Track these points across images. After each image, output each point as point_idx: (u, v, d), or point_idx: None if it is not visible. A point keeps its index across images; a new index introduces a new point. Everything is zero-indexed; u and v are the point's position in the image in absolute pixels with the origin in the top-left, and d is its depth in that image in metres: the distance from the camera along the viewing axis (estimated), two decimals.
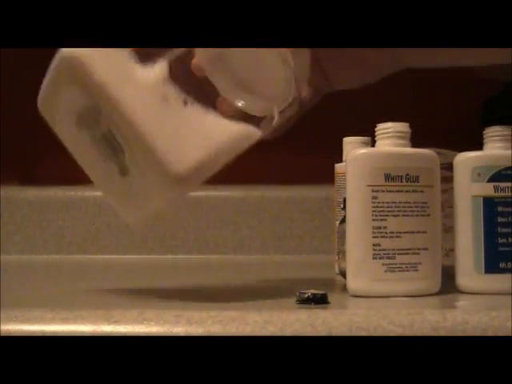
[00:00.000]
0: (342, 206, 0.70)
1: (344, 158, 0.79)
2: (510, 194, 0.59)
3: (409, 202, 0.58)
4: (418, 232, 0.58)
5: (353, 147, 0.76)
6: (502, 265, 0.59)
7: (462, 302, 0.59)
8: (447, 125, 1.05)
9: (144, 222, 0.64)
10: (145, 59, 0.54)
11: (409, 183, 0.58)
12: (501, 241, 0.59)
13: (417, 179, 0.58)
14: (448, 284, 0.60)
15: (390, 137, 0.60)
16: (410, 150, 0.60)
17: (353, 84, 0.65)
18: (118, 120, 0.53)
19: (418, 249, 0.58)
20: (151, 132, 0.52)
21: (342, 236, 0.61)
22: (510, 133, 0.61)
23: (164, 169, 0.53)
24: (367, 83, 0.64)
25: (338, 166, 0.82)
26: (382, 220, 0.57)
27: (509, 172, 0.59)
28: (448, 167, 0.62)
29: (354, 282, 0.58)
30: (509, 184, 0.59)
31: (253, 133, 0.58)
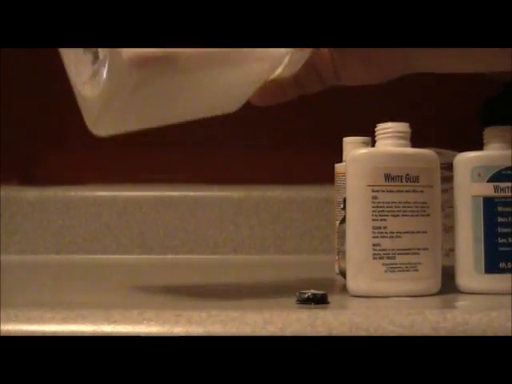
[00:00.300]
0: (341, 206, 0.70)
1: (344, 158, 0.79)
2: (509, 193, 0.59)
3: (409, 202, 0.58)
4: (418, 232, 0.58)
5: (353, 147, 0.76)
6: (501, 265, 0.59)
7: (462, 302, 0.59)
8: (447, 125, 1.05)
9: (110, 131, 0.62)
10: None
11: (409, 183, 0.58)
12: (501, 241, 0.59)
13: (417, 179, 0.58)
14: (448, 284, 0.60)
15: (390, 137, 0.60)
16: (410, 150, 0.60)
17: (361, 80, 0.65)
18: None
19: (418, 249, 0.58)
20: None
21: (342, 236, 0.61)
22: (510, 133, 0.61)
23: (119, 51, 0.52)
24: (376, 82, 0.64)
25: (337, 165, 0.82)
26: (381, 220, 0.57)
27: (509, 172, 0.59)
28: (448, 167, 0.62)
29: (353, 282, 0.58)
30: (509, 184, 0.59)
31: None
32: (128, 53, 0.52)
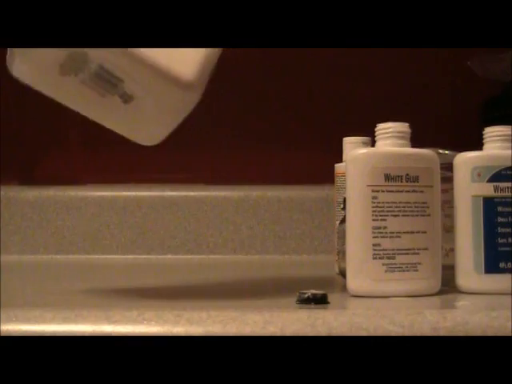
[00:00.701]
0: (341, 205, 0.70)
1: (344, 158, 0.79)
2: (509, 193, 0.59)
3: (409, 202, 0.58)
4: (418, 232, 0.58)
5: (353, 147, 0.76)
6: (501, 265, 0.59)
7: (462, 301, 0.59)
8: (447, 125, 1.05)
9: (162, 138, 0.63)
10: None
11: (409, 183, 0.58)
12: (501, 241, 0.59)
13: (417, 179, 0.58)
14: (448, 284, 0.60)
15: (390, 137, 0.60)
16: (410, 150, 0.60)
17: None
18: (113, 53, 0.54)
19: (418, 249, 0.58)
20: (149, 53, 0.54)
21: (342, 236, 0.61)
22: (510, 133, 0.61)
23: (174, 77, 0.54)
24: None
25: (337, 166, 0.82)
26: (382, 220, 0.57)
27: (509, 172, 0.59)
28: (448, 167, 0.62)
29: (353, 282, 0.58)
30: (509, 184, 0.59)
31: None
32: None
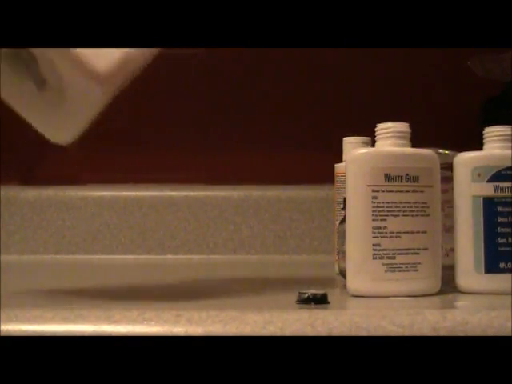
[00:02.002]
0: (341, 205, 0.70)
1: (344, 158, 0.79)
2: (509, 193, 0.59)
3: (409, 202, 0.58)
4: (418, 232, 0.58)
5: (353, 147, 0.76)
6: (501, 265, 0.59)
7: (462, 301, 0.59)
8: (447, 125, 1.05)
9: (75, 135, 0.62)
10: None
11: (409, 183, 0.58)
12: (501, 241, 0.59)
13: (417, 179, 0.58)
14: (448, 284, 0.60)
15: (390, 137, 0.60)
16: (410, 150, 0.60)
17: None
18: None
19: (418, 249, 0.58)
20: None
21: (342, 236, 0.61)
22: (510, 133, 0.61)
23: (89, 66, 0.53)
24: None
25: (337, 165, 0.82)
26: (382, 220, 0.57)
27: (509, 172, 0.59)
28: (448, 167, 0.62)
29: (353, 282, 0.58)
30: (509, 184, 0.59)
31: None
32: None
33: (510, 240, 0.59)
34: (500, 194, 0.59)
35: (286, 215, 1.04)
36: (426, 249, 0.58)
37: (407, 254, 0.58)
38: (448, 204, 0.63)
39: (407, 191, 0.58)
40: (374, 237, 0.57)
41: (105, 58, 0.53)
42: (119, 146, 1.07)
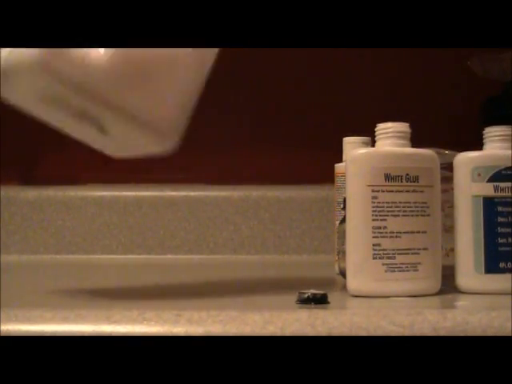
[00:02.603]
0: (342, 206, 0.70)
1: (344, 158, 0.79)
2: (509, 194, 0.59)
3: (409, 202, 0.58)
4: (418, 232, 0.58)
5: (353, 147, 0.76)
6: (502, 265, 0.59)
7: (462, 301, 0.59)
8: (447, 125, 1.05)
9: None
10: None
11: (409, 183, 0.58)
12: (501, 241, 0.59)
13: (417, 179, 0.58)
14: (448, 284, 0.60)
15: (390, 137, 0.60)
16: (410, 150, 0.60)
17: None
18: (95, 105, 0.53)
19: (418, 249, 0.58)
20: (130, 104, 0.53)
21: (342, 236, 0.61)
22: (510, 133, 0.61)
23: (150, 130, 0.54)
24: None
25: (337, 165, 0.82)
26: (382, 220, 0.57)
27: (509, 172, 0.59)
28: (448, 167, 0.62)
29: (353, 282, 0.58)
30: (509, 184, 0.59)
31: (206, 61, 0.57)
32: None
33: (509, 240, 0.59)
34: (500, 194, 0.59)
35: (286, 215, 1.04)
36: (426, 249, 0.58)
37: (407, 254, 0.58)
38: (448, 204, 0.63)
39: (407, 191, 0.58)
40: (374, 237, 0.57)
41: (164, 119, 0.54)
42: None
